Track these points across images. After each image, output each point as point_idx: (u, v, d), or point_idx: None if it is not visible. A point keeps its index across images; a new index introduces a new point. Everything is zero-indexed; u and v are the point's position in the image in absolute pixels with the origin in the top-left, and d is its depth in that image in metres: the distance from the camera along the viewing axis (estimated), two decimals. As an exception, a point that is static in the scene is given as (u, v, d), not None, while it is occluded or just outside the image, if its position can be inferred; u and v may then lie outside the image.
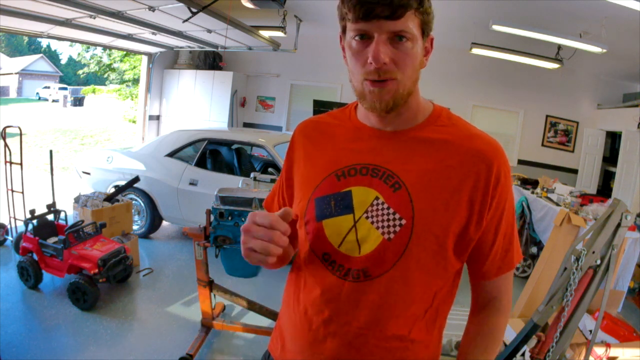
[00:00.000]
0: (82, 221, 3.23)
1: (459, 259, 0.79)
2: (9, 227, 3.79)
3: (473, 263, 0.83)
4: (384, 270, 0.75)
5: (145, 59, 7.42)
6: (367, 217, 0.77)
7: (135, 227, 4.31)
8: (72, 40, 6.18)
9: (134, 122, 11.79)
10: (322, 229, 0.79)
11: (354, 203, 0.78)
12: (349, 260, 0.77)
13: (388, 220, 0.75)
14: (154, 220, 4.33)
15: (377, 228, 0.76)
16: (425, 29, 0.75)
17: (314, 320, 0.80)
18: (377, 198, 0.77)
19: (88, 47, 16.43)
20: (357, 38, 0.73)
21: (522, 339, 1.36)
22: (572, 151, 6.62)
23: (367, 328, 0.77)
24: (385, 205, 0.76)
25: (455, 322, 1.71)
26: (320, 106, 5.76)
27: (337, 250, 0.78)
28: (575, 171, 6.40)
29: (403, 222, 0.74)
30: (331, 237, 0.78)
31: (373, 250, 0.76)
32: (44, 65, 27.15)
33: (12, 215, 3.69)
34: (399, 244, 0.74)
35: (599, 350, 2.08)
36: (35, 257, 3.07)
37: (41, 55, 28.44)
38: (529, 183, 4.91)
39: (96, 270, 2.84)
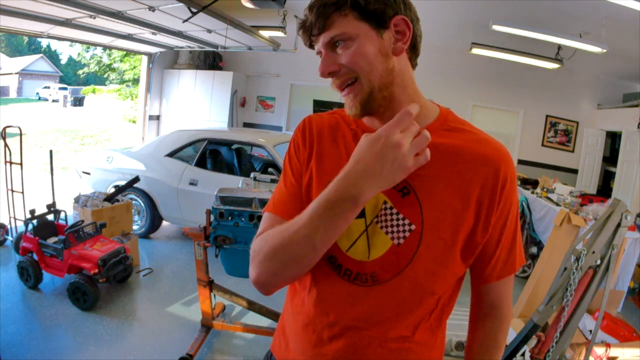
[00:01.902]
0: (82, 221, 3.23)
1: (464, 263, 0.79)
2: (9, 227, 3.79)
3: (475, 266, 0.82)
4: (393, 275, 0.75)
5: (145, 59, 7.42)
6: (377, 222, 0.77)
7: (135, 227, 4.31)
8: (72, 40, 6.18)
9: (134, 122, 11.79)
10: None
11: (365, 207, 0.77)
12: (357, 265, 0.77)
13: (397, 225, 0.75)
14: (154, 220, 4.33)
15: (387, 233, 0.75)
16: (371, 18, 0.72)
17: (318, 322, 0.80)
18: (385, 203, 0.76)
19: (88, 47, 16.44)
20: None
21: (522, 339, 1.36)
22: (572, 151, 6.62)
23: (371, 330, 0.77)
24: (394, 211, 0.76)
25: (456, 322, 1.71)
26: (320, 106, 5.77)
27: (344, 254, 0.77)
28: (575, 171, 6.40)
29: (413, 227, 0.74)
30: (340, 240, 0.77)
31: (382, 255, 0.75)
32: (44, 65, 27.15)
33: (12, 215, 3.69)
34: (409, 249, 0.74)
35: (599, 350, 2.08)
36: (35, 257, 3.07)
37: (41, 55, 28.43)
38: (529, 183, 4.91)
39: (96, 270, 2.84)
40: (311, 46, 0.79)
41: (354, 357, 0.78)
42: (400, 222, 0.75)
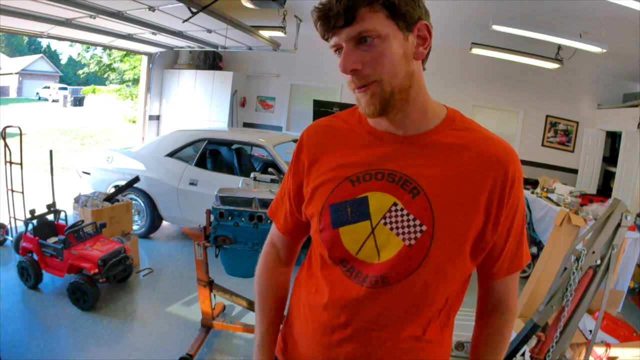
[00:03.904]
0: (82, 221, 3.23)
1: (474, 261, 0.80)
2: (9, 227, 3.79)
3: (484, 264, 0.83)
4: (404, 276, 0.75)
5: (145, 59, 7.42)
6: (385, 224, 0.76)
7: (135, 227, 4.30)
8: (72, 40, 6.18)
9: (134, 122, 11.79)
10: (338, 236, 0.78)
11: (371, 209, 0.77)
12: (368, 267, 0.76)
13: (408, 226, 0.75)
14: (154, 220, 4.33)
15: (397, 234, 0.75)
16: (400, 19, 0.72)
17: (329, 324, 0.79)
18: (395, 204, 0.76)
19: (88, 47, 16.43)
20: (336, 53, 0.75)
21: (522, 339, 1.37)
22: (572, 151, 6.61)
23: (383, 331, 0.77)
24: (405, 212, 0.75)
25: (456, 322, 1.71)
26: (320, 106, 5.74)
27: (354, 257, 0.77)
28: (575, 171, 6.39)
29: (424, 228, 0.74)
30: (348, 244, 0.77)
31: (393, 256, 0.75)
32: (44, 65, 27.15)
33: (12, 215, 3.69)
34: (420, 250, 0.74)
35: (599, 350, 2.08)
36: (35, 257, 3.07)
37: (41, 55, 28.44)
38: (529, 183, 4.90)
39: (96, 270, 2.84)
40: (326, 38, 0.75)
41: (365, 358, 0.78)
42: (411, 222, 0.75)
